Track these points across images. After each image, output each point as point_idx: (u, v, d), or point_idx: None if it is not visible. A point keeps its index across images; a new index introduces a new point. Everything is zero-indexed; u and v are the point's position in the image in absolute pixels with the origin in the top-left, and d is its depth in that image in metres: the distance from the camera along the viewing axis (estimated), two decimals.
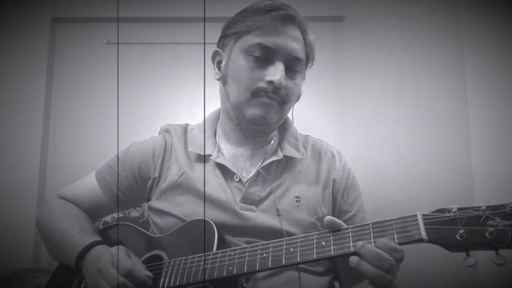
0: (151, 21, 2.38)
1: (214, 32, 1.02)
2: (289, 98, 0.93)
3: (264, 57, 0.89)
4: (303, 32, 0.93)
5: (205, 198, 0.90)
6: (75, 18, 2.37)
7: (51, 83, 2.35)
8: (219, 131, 1.03)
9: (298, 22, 0.92)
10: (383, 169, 1.73)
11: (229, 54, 0.94)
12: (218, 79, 0.99)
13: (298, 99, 1.00)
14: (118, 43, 2.35)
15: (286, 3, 0.93)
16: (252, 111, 0.90)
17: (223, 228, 0.87)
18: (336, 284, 1.00)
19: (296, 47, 0.91)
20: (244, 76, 0.90)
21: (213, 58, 1.00)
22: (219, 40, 0.99)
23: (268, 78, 0.88)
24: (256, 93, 0.90)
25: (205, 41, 1.04)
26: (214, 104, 1.07)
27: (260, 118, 0.91)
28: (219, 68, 0.98)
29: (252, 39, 0.89)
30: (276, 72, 0.88)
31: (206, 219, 0.85)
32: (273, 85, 0.88)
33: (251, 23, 0.90)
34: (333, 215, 0.98)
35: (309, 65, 0.99)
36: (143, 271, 0.77)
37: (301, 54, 0.92)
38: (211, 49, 1.01)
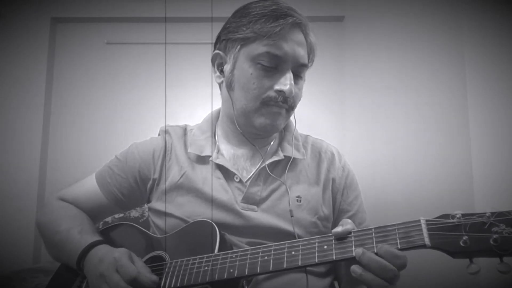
0: (152, 21, 2.37)
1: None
2: (295, 104, 0.94)
3: (273, 65, 0.88)
4: (306, 35, 0.92)
5: (211, 200, 0.90)
6: (75, 18, 2.37)
7: (51, 83, 2.35)
8: (218, 131, 1.03)
9: (303, 25, 0.91)
10: (383, 169, 1.73)
11: (235, 60, 0.92)
12: (221, 83, 0.98)
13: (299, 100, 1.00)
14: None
15: (288, 3, 0.91)
16: (262, 120, 0.91)
17: (225, 228, 0.87)
18: (336, 284, 1.00)
19: (302, 53, 0.90)
20: (252, 85, 0.89)
21: (213, 61, 0.98)
22: (219, 41, 0.97)
23: (278, 87, 0.88)
24: (265, 102, 0.89)
25: (213, 41, 1.02)
26: (214, 104, 1.07)
27: (269, 126, 0.91)
28: (220, 71, 0.97)
29: (260, 47, 0.87)
30: (286, 82, 0.88)
31: (208, 220, 0.85)
32: (283, 94, 0.88)
33: (258, 30, 0.87)
34: (333, 215, 0.99)
35: (309, 64, 0.98)
36: (149, 276, 0.75)
37: (306, 59, 0.92)
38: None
